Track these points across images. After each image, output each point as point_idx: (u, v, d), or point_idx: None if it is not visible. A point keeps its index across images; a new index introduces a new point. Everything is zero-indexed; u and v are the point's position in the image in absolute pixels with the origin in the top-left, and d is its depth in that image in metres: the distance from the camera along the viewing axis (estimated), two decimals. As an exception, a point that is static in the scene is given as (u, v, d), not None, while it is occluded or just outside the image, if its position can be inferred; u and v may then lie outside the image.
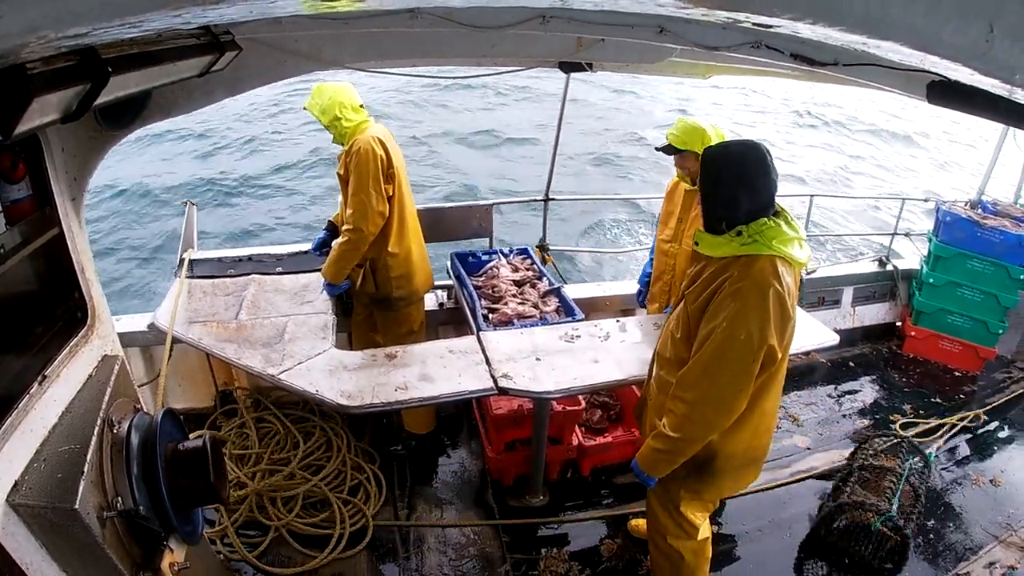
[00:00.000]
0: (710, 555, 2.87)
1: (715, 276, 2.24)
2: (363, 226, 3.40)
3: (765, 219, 2.18)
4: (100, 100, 1.47)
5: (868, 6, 0.93)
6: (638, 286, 4.12)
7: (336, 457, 3.79)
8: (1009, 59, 0.94)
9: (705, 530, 2.78)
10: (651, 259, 3.92)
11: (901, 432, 4.40)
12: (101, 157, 2.11)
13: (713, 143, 2.88)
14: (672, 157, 3.39)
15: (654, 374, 2.64)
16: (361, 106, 3.51)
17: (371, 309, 3.94)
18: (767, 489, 3.96)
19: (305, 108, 3.49)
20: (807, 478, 4.11)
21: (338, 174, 3.55)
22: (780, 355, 2.21)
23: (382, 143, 3.43)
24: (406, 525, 3.58)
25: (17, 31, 0.78)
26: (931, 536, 3.71)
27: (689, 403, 2.26)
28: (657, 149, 3.37)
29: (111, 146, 2.13)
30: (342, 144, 3.49)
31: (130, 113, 2.15)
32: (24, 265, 1.69)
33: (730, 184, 2.19)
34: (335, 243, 3.54)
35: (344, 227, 3.48)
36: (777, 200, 2.28)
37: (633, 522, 3.61)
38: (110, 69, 1.39)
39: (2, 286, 1.58)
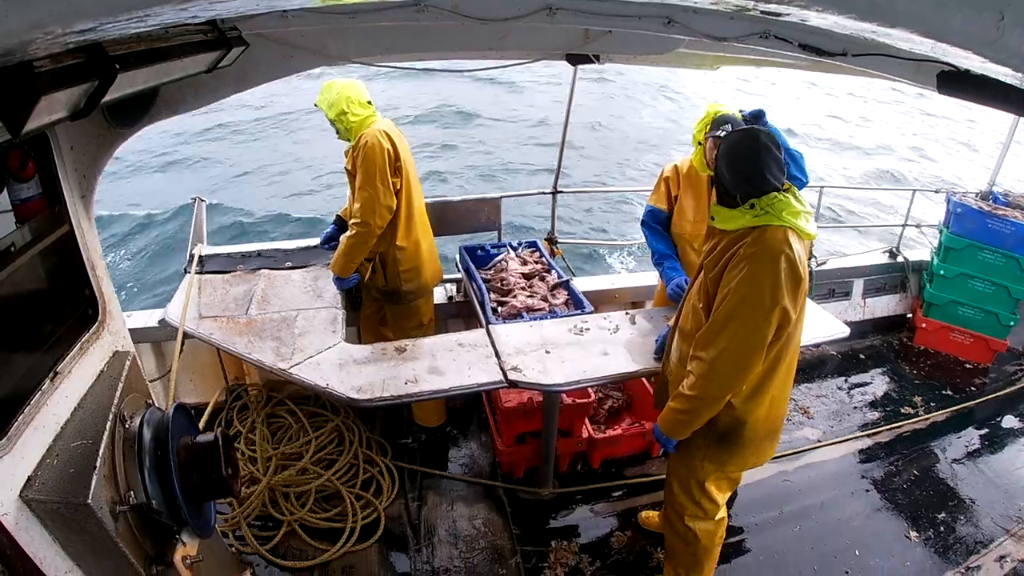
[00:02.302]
0: (723, 537, 2.93)
1: (730, 246, 2.35)
2: (370, 220, 3.41)
3: (776, 193, 2.30)
4: (108, 97, 1.47)
5: None
6: (660, 268, 3.67)
7: (348, 451, 3.81)
8: (1021, 47, 0.93)
9: (722, 511, 2.85)
10: (651, 237, 3.66)
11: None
12: (110, 154, 2.12)
13: None
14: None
15: (675, 348, 2.69)
16: (369, 102, 3.51)
17: (380, 303, 3.95)
18: (777, 480, 3.95)
19: (316, 104, 3.49)
20: (818, 470, 4.11)
21: (346, 169, 3.55)
22: (794, 316, 2.30)
23: (389, 136, 3.42)
24: (427, 471, 3.60)
25: (23, 27, 0.78)
26: (941, 529, 3.69)
27: (707, 361, 2.36)
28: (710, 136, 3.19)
29: (120, 143, 2.14)
30: (348, 140, 3.49)
31: (138, 110, 2.16)
32: (35, 263, 1.71)
33: (744, 160, 2.32)
34: (343, 237, 3.54)
35: (352, 221, 3.48)
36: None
37: (644, 514, 3.61)
38: (117, 66, 1.40)
39: (13, 284, 1.59)
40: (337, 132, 3.52)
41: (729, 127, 3.10)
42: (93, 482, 1.57)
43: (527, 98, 19.30)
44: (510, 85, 20.11)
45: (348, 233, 3.50)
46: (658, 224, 3.69)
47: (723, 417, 2.49)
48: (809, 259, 2.50)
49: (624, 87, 20.92)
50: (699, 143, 3.37)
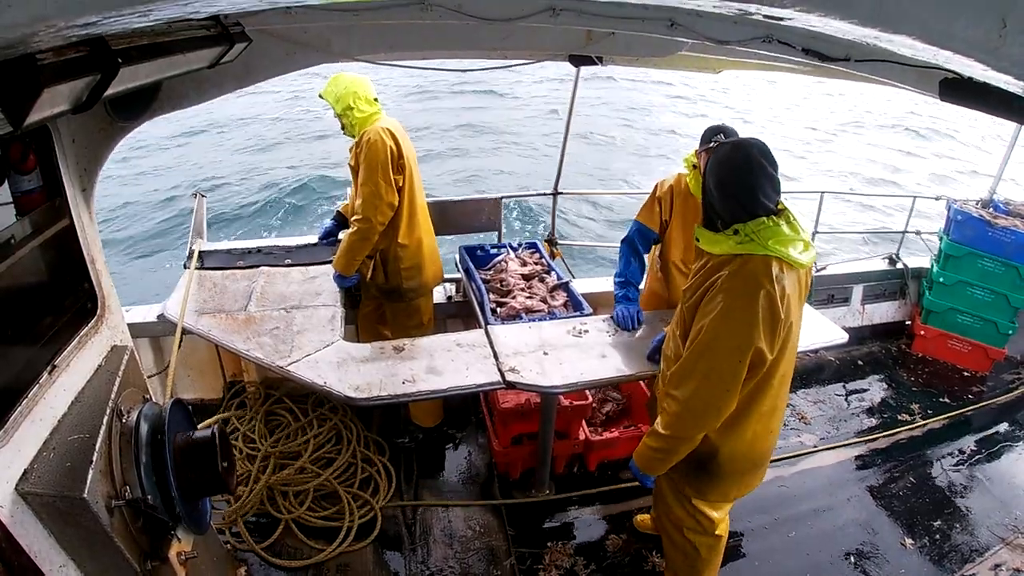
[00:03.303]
0: (723, 548, 2.90)
1: (710, 273, 2.23)
2: (372, 216, 3.41)
3: (764, 218, 2.14)
4: (110, 91, 1.47)
5: None
6: (619, 290, 3.60)
7: (346, 450, 3.81)
8: (1023, 55, 0.93)
9: (723, 527, 2.79)
10: (626, 258, 3.58)
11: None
12: (111, 148, 2.12)
13: None
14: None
15: (663, 367, 2.64)
16: (375, 99, 3.51)
17: (379, 301, 3.95)
18: (773, 486, 3.95)
19: (320, 96, 3.50)
20: (814, 475, 4.11)
21: (349, 165, 3.56)
22: (770, 357, 2.18)
23: (392, 134, 3.43)
24: (415, 504, 3.60)
25: (26, 20, 0.78)
26: (937, 537, 3.69)
27: (679, 401, 2.27)
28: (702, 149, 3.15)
29: (121, 137, 2.14)
30: (352, 136, 3.50)
31: (140, 104, 2.17)
32: (34, 256, 1.71)
33: (729, 182, 2.18)
34: (345, 234, 3.54)
35: (353, 218, 3.49)
36: (784, 200, 2.25)
37: (639, 517, 3.61)
38: (120, 60, 1.40)
39: (12, 276, 1.59)
40: (342, 127, 3.53)
41: (722, 136, 2.99)
42: (89, 476, 1.57)
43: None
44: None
45: (350, 230, 3.50)
46: (646, 243, 3.57)
47: (699, 446, 2.39)
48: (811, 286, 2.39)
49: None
50: (693, 166, 3.30)
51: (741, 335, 2.11)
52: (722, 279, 2.16)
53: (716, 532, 2.76)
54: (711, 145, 3.02)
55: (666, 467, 2.46)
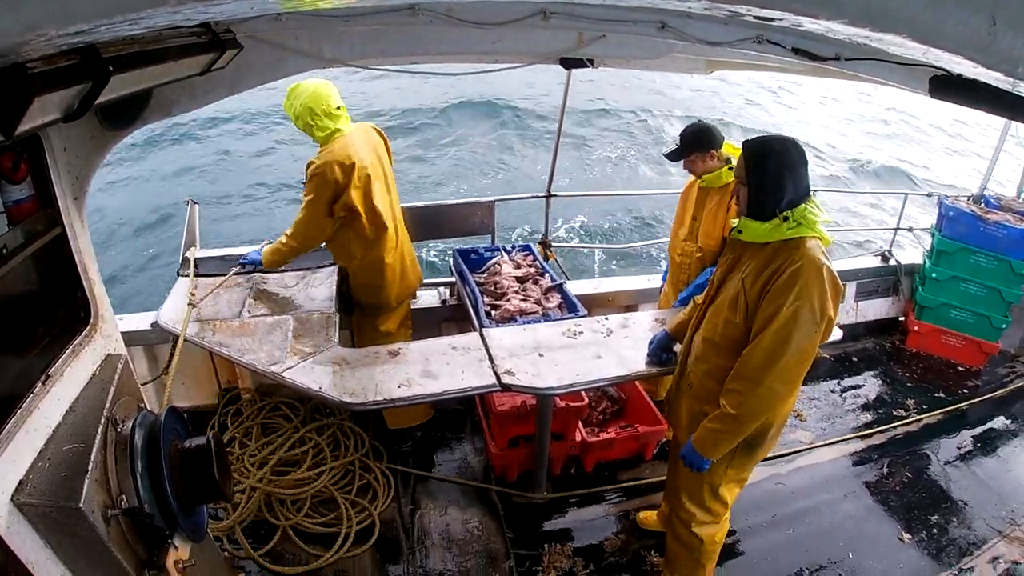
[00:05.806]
0: (724, 537, 2.99)
1: (768, 260, 2.37)
2: (298, 242, 3.46)
3: (805, 204, 2.34)
4: (101, 99, 1.47)
5: None
6: (661, 282, 4.21)
7: (344, 456, 3.79)
8: (1012, 51, 0.94)
9: (727, 512, 2.89)
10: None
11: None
12: (103, 157, 2.11)
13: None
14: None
15: (700, 360, 2.67)
16: (339, 108, 3.37)
17: None
18: (770, 484, 3.97)
19: (284, 108, 3.40)
20: (811, 472, 4.12)
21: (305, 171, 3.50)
22: (836, 325, 2.40)
23: (349, 157, 3.30)
24: (413, 508, 3.59)
25: (18, 29, 0.78)
26: (934, 531, 3.71)
27: (758, 381, 2.35)
28: (669, 156, 3.42)
29: (113, 145, 2.13)
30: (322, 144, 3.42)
31: (131, 112, 2.15)
32: (27, 265, 1.69)
33: (779, 173, 2.33)
34: (282, 236, 3.52)
35: (287, 232, 3.49)
36: None
37: (642, 515, 3.62)
38: (111, 68, 1.39)
39: (5, 286, 1.58)
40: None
41: (683, 137, 3.33)
42: (85, 486, 1.56)
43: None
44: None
45: (282, 240, 3.50)
46: None
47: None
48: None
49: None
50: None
51: (817, 309, 2.27)
52: (787, 262, 2.31)
53: (724, 516, 2.88)
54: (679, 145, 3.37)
55: (730, 447, 2.54)
